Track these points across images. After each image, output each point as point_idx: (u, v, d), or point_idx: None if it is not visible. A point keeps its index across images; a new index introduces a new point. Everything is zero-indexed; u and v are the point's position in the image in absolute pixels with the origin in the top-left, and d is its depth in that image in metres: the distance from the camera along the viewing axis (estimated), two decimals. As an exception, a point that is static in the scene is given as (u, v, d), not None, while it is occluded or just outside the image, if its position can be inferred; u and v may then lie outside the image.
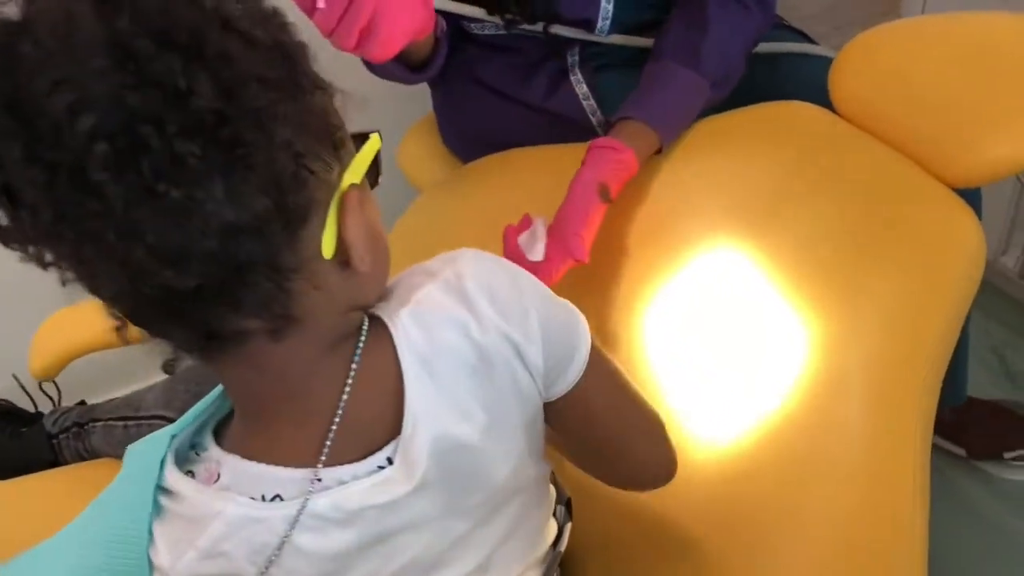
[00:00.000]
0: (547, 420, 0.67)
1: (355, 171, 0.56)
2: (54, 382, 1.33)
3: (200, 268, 0.48)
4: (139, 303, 0.51)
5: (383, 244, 0.60)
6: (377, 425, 0.58)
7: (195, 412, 0.62)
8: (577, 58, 1.14)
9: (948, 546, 1.24)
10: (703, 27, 1.01)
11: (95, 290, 0.51)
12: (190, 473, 0.59)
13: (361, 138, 0.58)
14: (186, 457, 0.61)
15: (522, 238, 0.94)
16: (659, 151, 1.00)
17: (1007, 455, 1.33)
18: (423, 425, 0.58)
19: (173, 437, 0.60)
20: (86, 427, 1.24)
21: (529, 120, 1.16)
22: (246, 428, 0.60)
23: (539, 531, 0.74)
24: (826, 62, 1.01)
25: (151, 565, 0.59)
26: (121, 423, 1.20)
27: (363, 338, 0.58)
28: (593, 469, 0.73)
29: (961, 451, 1.36)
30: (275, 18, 0.52)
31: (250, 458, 0.58)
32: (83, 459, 1.22)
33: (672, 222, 0.99)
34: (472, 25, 1.12)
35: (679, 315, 0.94)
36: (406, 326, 0.58)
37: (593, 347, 0.65)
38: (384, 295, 0.62)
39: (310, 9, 0.85)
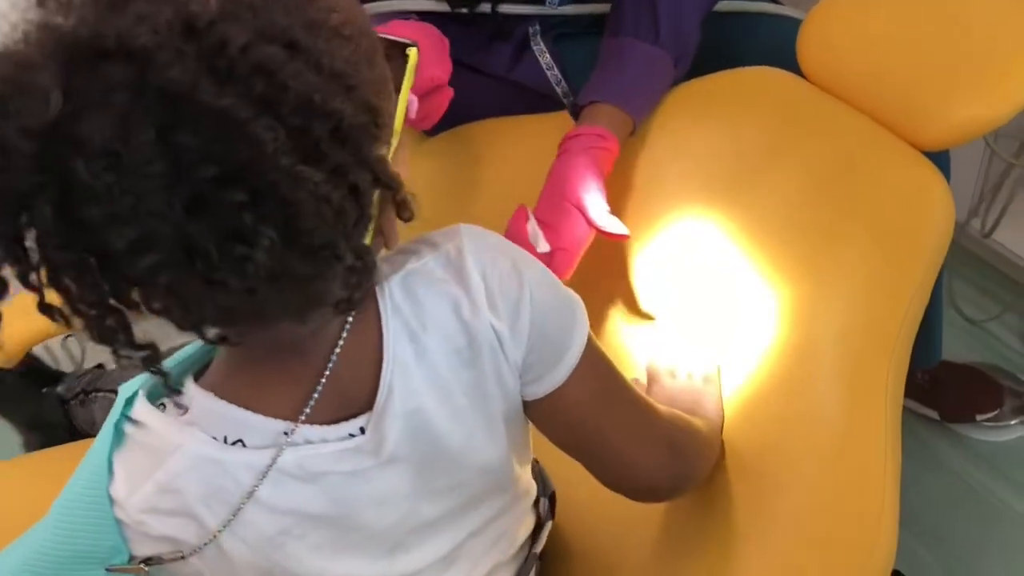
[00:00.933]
0: (531, 420, 0.65)
1: (396, 133, 0.55)
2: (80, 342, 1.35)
3: (249, 320, 0.51)
4: None
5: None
6: (355, 392, 0.58)
7: (182, 355, 0.62)
8: (538, 28, 1.12)
9: (923, 505, 1.26)
10: None
11: None
12: (162, 406, 0.59)
13: (397, 51, 0.57)
14: (161, 393, 0.60)
15: (529, 231, 0.92)
16: (631, 132, 0.99)
17: (979, 417, 1.35)
18: (399, 397, 0.57)
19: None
20: (91, 395, 1.24)
21: (494, 91, 1.14)
22: (229, 372, 0.59)
23: (513, 530, 0.73)
24: (791, 23, 1.00)
25: (111, 501, 0.58)
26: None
27: None
28: (590, 469, 0.69)
29: (934, 414, 1.37)
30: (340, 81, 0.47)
31: (223, 398, 0.57)
32: (86, 428, 1.21)
33: (643, 195, 0.98)
34: None
35: (654, 287, 0.94)
36: (394, 294, 0.57)
37: (590, 351, 0.62)
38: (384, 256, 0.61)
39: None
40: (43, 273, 0.46)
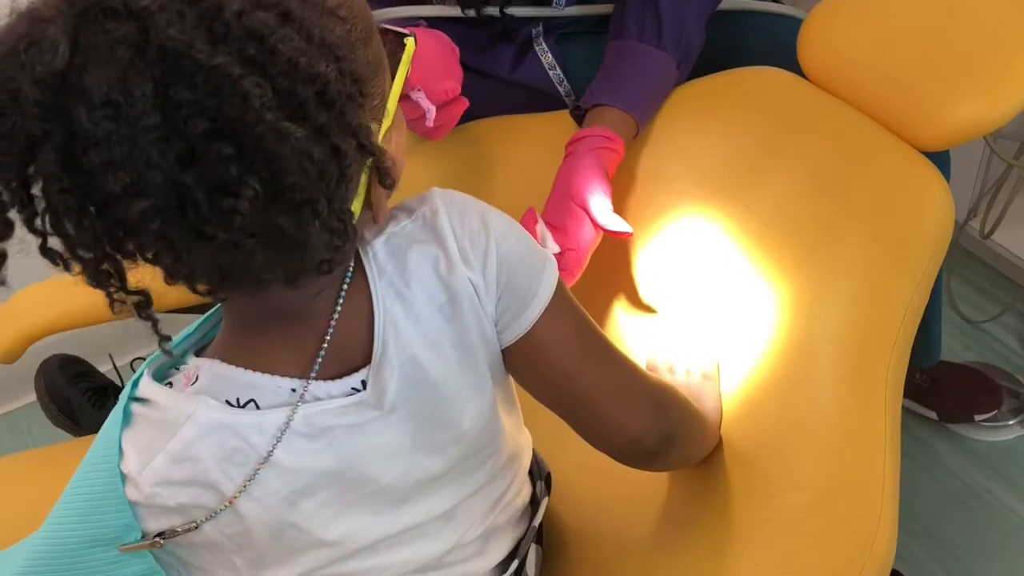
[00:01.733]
0: (510, 372, 0.68)
1: (389, 114, 0.58)
2: (142, 360, 1.36)
3: (239, 277, 0.52)
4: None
5: (400, 172, 0.61)
6: (352, 348, 0.61)
7: (180, 337, 0.64)
8: (541, 28, 1.13)
9: (921, 504, 1.26)
10: (655, 1, 1.00)
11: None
12: (168, 384, 0.61)
13: (396, 40, 0.60)
14: (165, 374, 0.62)
15: (538, 232, 0.93)
16: (636, 135, 0.99)
17: (978, 417, 1.35)
18: (393, 348, 0.60)
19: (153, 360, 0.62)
20: None
21: (496, 92, 1.15)
22: (233, 339, 0.61)
23: (509, 494, 0.74)
24: (792, 22, 1.01)
25: (123, 479, 0.59)
26: None
27: (351, 267, 0.60)
28: (570, 423, 0.70)
29: (933, 414, 1.37)
30: (323, 77, 0.50)
31: (230, 363, 0.60)
32: None
33: (644, 194, 0.99)
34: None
35: (654, 285, 0.94)
36: (377, 254, 0.61)
37: (559, 298, 0.65)
38: None
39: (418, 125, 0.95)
40: (47, 220, 0.49)
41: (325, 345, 0.59)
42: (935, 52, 0.85)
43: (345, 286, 0.60)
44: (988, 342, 1.48)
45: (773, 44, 1.03)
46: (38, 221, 0.49)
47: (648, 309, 0.94)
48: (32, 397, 1.41)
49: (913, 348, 0.77)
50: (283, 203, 0.49)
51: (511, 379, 0.69)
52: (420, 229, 0.62)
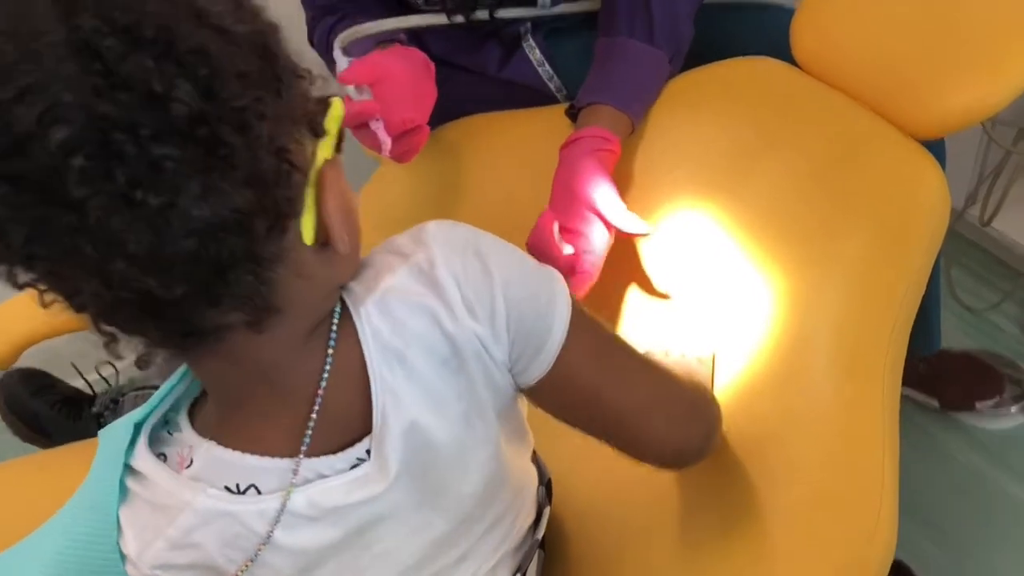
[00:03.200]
0: (539, 405, 0.65)
1: (326, 145, 0.54)
2: (112, 364, 1.39)
3: (183, 273, 0.46)
4: (116, 309, 0.48)
5: (356, 216, 0.57)
6: (351, 417, 0.57)
7: (166, 389, 0.60)
8: (529, 26, 1.12)
9: (923, 493, 1.26)
10: None
11: (72, 301, 0.48)
12: (162, 456, 0.58)
13: (321, 103, 0.55)
14: (158, 437, 0.59)
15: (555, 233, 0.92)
16: (631, 132, 0.99)
17: (979, 405, 1.34)
18: (393, 417, 0.57)
19: (144, 420, 0.59)
20: (119, 401, 1.29)
21: (485, 89, 1.14)
22: (222, 414, 0.58)
23: (518, 522, 0.73)
24: (784, 13, 1.00)
25: (122, 557, 0.58)
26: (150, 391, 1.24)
27: (335, 325, 0.56)
28: (612, 444, 0.68)
29: (934, 402, 1.37)
30: (247, 3, 0.49)
31: (225, 445, 0.56)
32: None
33: (640, 188, 0.98)
34: (420, 1, 1.09)
35: (651, 278, 0.94)
36: (370, 316, 0.56)
37: (578, 321, 0.61)
38: (356, 273, 0.60)
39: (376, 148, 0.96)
40: None
41: (313, 419, 0.56)
42: (930, 39, 0.84)
43: (331, 350, 0.56)
44: (989, 330, 1.48)
45: (764, 35, 1.02)
46: None
47: (644, 300, 0.94)
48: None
49: (913, 337, 0.77)
50: (220, 106, 0.44)
51: (520, 410, 0.67)
52: (415, 280, 0.57)
